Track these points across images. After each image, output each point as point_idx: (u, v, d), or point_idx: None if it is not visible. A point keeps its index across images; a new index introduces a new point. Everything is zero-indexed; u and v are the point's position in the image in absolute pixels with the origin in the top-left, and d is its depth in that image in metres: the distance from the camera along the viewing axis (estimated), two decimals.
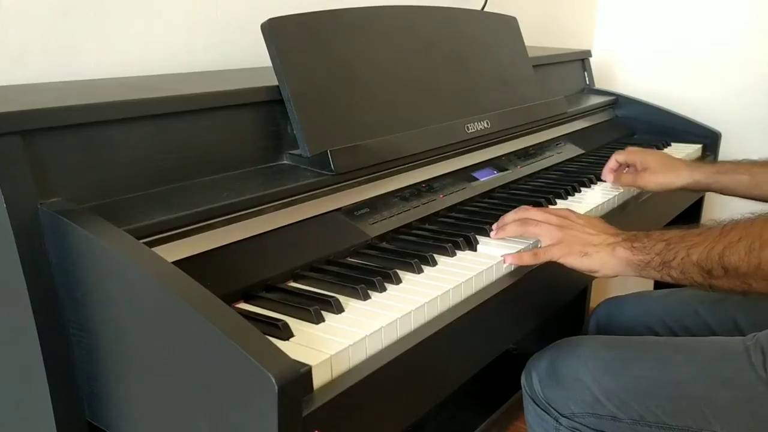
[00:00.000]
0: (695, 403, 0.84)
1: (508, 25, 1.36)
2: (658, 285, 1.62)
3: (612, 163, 1.25)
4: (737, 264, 0.77)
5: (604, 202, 1.15)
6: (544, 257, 0.89)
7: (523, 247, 0.92)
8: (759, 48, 1.94)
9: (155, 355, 0.61)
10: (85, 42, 0.97)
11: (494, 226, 0.95)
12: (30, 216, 0.64)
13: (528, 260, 0.89)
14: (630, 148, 1.26)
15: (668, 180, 1.19)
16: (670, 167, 1.20)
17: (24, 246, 0.63)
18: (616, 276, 0.88)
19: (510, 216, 0.95)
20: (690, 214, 1.59)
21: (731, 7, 1.96)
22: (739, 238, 0.77)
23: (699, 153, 1.62)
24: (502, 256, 0.88)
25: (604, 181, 1.26)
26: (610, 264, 0.87)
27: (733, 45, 1.97)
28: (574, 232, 0.90)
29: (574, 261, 0.88)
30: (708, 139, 1.64)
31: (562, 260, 0.88)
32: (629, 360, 0.91)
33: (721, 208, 1.99)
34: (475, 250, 0.91)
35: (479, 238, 0.93)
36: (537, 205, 1.08)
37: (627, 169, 1.25)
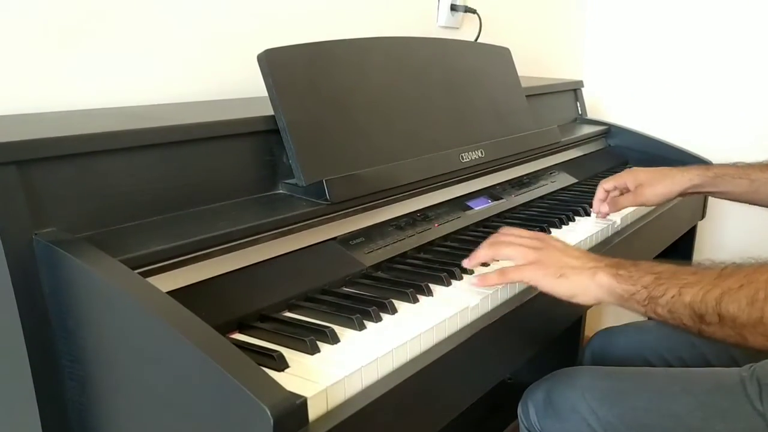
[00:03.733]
0: None
1: (501, 56, 1.37)
2: None
3: (600, 193, 1.19)
4: (736, 313, 0.68)
5: (598, 231, 1.15)
6: (513, 276, 0.82)
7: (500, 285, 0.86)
8: (749, 77, 1.96)
9: (148, 386, 0.60)
10: (81, 72, 0.97)
11: (465, 260, 0.90)
12: (24, 246, 0.63)
13: (494, 280, 0.83)
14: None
15: (667, 189, 1.14)
16: (665, 175, 1.15)
17: (18, 276, 0.62)
18: (597, 303, 0.80)
19: (484, 243, 0.89)
20: (684, 241, 1.59)
21: (720, 37, 1.99)
22: (741, 285, 0.68)
23: None
24: (474, 277, 0.85)
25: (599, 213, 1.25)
26: (590, 289, 0.78)
27: (723, 75, 2.00)
28: (550, 252, 0.83)
29: (548, 283, 0.80)
30: None
31: (534, 282, 0.81)
32: (626, 391, 0.90)
33: (712, 238, 2.01)
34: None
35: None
36: None
37: (619, 192, 1.20)
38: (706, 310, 0.70)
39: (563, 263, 0.81)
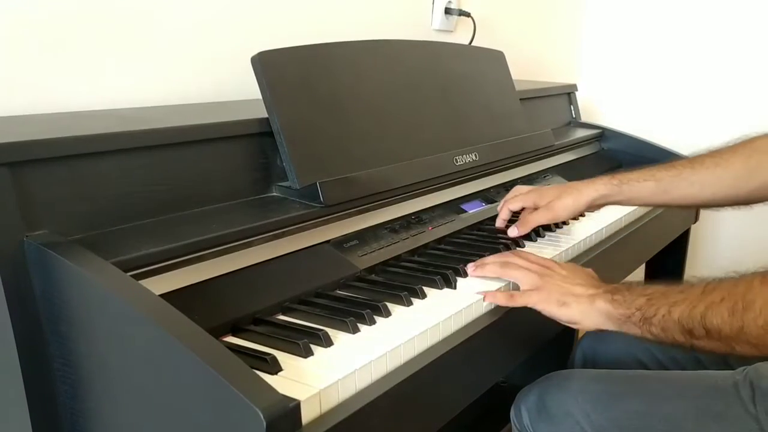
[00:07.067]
0: None
1: (495, 60, 1.37)
2: None
3: (505, 212, 1.13)
4: (719, 326, 0.73)
5: (592, 234, 1.15)
6: (520, 301, 0.87)
7: (501, 285, 0.91)
8: (742, 81, 1.97)
9: (141, 389, 0.60)
10: (74, 73, 0.97)
11: (470, 265, 0.93)
12: (15, 248, 0.63)
13: (502, 301, 0.87)
14: (519, 187, 1.16)
15: (573, 201, 1.09)
16: (573, 188, 1.12)
17: (8, 279, 0.62)
18: (598, 329, 0.85)
19: (491, 258, 0.94)
20: (677, 244, 1.60)
21: (714, 41, 2.00)
22: (722, 299, 0.74)
23: None
24: (479, 293, 0.87)
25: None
26: (590, 316, 0.84)
27: (717, 78, 2.01)
28: (554, 280, 0.88)
29: (551, 309, 0.86)
30: None
31: (539, 307, 0.86)
32: (619, 394, 0.90)
33: (706, 240, 2.01)
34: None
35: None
36: (526, 237, 1.09)
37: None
38: (693, 325, 0.75)
39: (565, 290, 0.86)
